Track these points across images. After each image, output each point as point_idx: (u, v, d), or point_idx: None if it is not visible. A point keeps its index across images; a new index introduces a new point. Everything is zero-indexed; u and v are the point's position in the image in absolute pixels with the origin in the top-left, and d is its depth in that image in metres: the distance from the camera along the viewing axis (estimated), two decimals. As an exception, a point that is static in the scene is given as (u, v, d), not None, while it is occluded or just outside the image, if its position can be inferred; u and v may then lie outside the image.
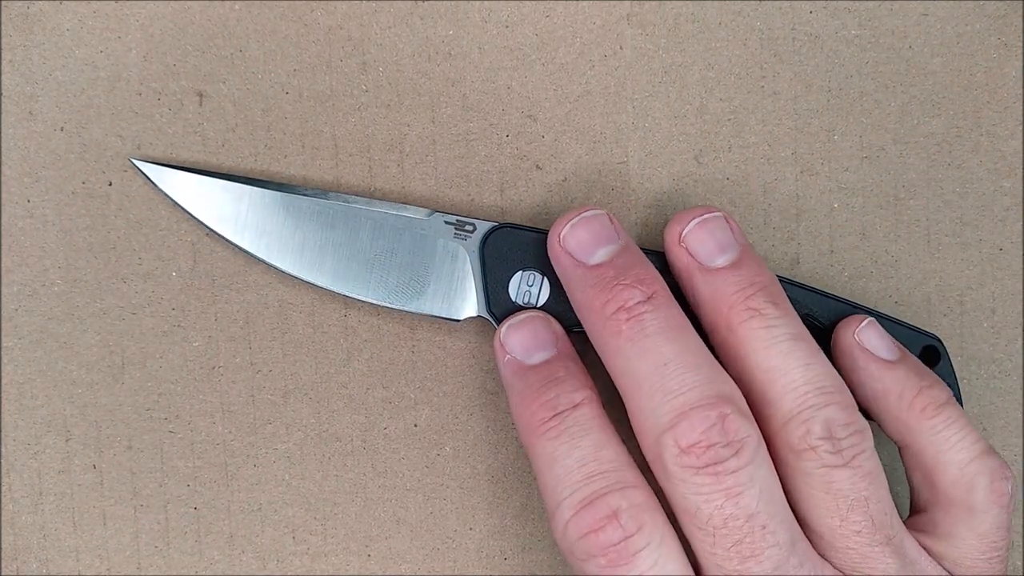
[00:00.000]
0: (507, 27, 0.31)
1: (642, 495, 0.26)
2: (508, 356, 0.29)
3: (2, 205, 0.31)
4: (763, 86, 0.32)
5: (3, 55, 0.31)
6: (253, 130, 0.31)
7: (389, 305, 0.31)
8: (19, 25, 0.31)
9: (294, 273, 0.31)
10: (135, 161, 0.31)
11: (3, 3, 0.31)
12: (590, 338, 0.28)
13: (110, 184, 0.31)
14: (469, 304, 0.30)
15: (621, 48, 0.32)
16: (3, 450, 0.32)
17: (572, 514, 0.26)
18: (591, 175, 0.32)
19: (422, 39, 0.31)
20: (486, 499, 0.33)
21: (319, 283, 0.31)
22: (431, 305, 0.30)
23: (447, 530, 0.33)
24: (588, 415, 0.27)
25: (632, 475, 0.27)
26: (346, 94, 0.31)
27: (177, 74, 0.31)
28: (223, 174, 0.31)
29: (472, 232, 0.30)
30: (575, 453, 0.26)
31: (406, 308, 0.31)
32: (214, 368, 0.32)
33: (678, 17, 0.31)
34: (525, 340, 0.29)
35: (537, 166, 0.32)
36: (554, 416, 0.27)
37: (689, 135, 0.32)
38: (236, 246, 0.31)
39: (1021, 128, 0.32)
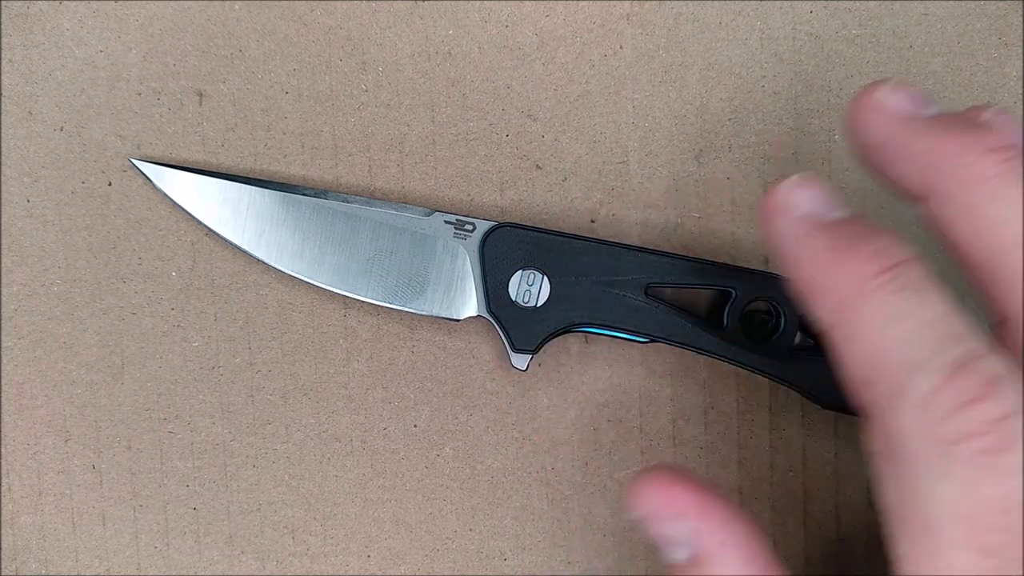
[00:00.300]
0: (507, 27, 0.31)
1: (1016, 365, 0.20)
2: (798, 214, 0.23)
3: (2, 205, 0.31)
4: (763, 86, 0.32)
5: (3, 55, 0.31)
6: (253, 130, 0.31)
7: (389, 305, 0.31)
8: (19, 25, 0.31)
9: (293, 273, 0.31)
10: (134, 161, 0.31)
11: (3, 3, 0.31)
12: (933, 201, 0.22)
13: (110, 184, 0.31)
14: (469, 304, 0.30)
15: (621, 48, 0.32)
16: (3, 450, 0.32)
17: (941, 379, 0.19)
18: (591, 175, 0.32)
19: (422, 39, 0.31)
20: (486, 499, 0.33)
21: (318, 283, 0.31)
22: (431, 305, 0.30)
23: (447, 530, 0.33)
24: (926, 272, 0.21)
25: (994, 343, 0.20)
26: (346, 94, 0.31)
27: (177, 74, 0.31)
28: (222, 174, 0.31)
29: (472, 232, 0.30)
30: (924, 311, 0.20)
31: (406, 308, 0.31)
32: (214, 368, 0.32)
33: (678, 17, 0.31)
34: (820, 194, 0.23)
35: (537, 166, 0.32)
36: (889, 269, 0.21)
37: (689, 135, 0.32)
38: (235, 246, 0.31)
39: (1021, 129, 0.32)
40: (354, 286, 0.30)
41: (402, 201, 0.32)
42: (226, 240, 0.31)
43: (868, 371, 0.21)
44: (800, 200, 0.23)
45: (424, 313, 0.31)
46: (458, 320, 0.30)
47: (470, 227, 0.30)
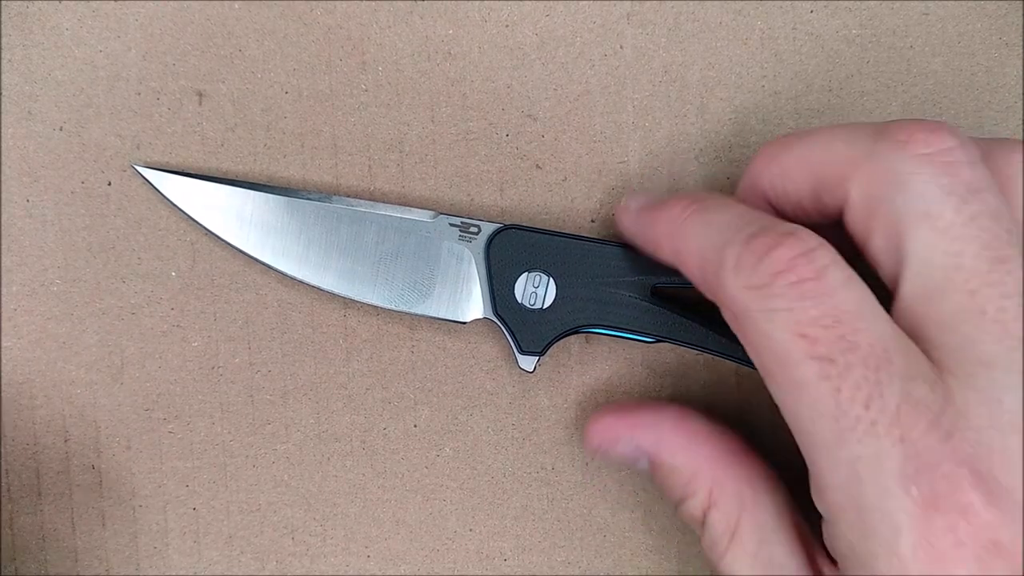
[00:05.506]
0: (507, 26, 0.31)
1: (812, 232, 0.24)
2: (633, 208, 0.29)
3: (2, 205, 0.31)
4: (764, 85, 0.32)
5: (3, 55, 0.31)
6: (252, 130, 0.31)
7: (395, 308, 0.30)
8: (19, 25, 0.31)
9: (299, 277, 0.31)
10: (138, 168, 0.31)
11: (3, 3, 0.31)
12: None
13: (109, 184, 0.31)
14: (475, 306, 0.30)
15: (621, 47, 0.31)
16: (3, 450, 0.32)
17: (743, 246, 0.23)
18: (591, 175, 0.32)
19: (422, 38, 0.31)
20: (486, 499, 0.33)
21: (324, 287, 0.31)
22: (436, 308, 0.30)
23: (447, 531, 0.33)
24: (721, 201, 0.26)
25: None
26: (346, 93, 0.31)
27: (176, 74, 0.31)
28: (226, 179, 0.31)
29: (477, 234, 0.30)
30: (723, 215, 0.25)
31: (412, 311, 0.30)
32: (213, 368, 0.32)
33: (679, 16, 0.31)
34: (642, 195, 0.29)
35: (537, 166, 0.32)
36: (693, 203, 0.26)
37: (689, 135, 0.32)
38: (240, 251, 0.31)
39: (1022, 128, 0.32)
40: (359, 290, 0.30)
41: (402, 201, 0.31)
42: (231, 245, 0.31)
43: (698, 266, 0.25)
44: (632, 203, 0.29)
45: (430, 316, 0.30)
46: (464, 323, 0.30)
47: (475, 229, 0.30)
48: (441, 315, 0.30)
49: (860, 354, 0.22)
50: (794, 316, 0.22)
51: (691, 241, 0.25)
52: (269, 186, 0.31)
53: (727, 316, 0.24)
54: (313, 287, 0.31)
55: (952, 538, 0.21)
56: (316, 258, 0.30)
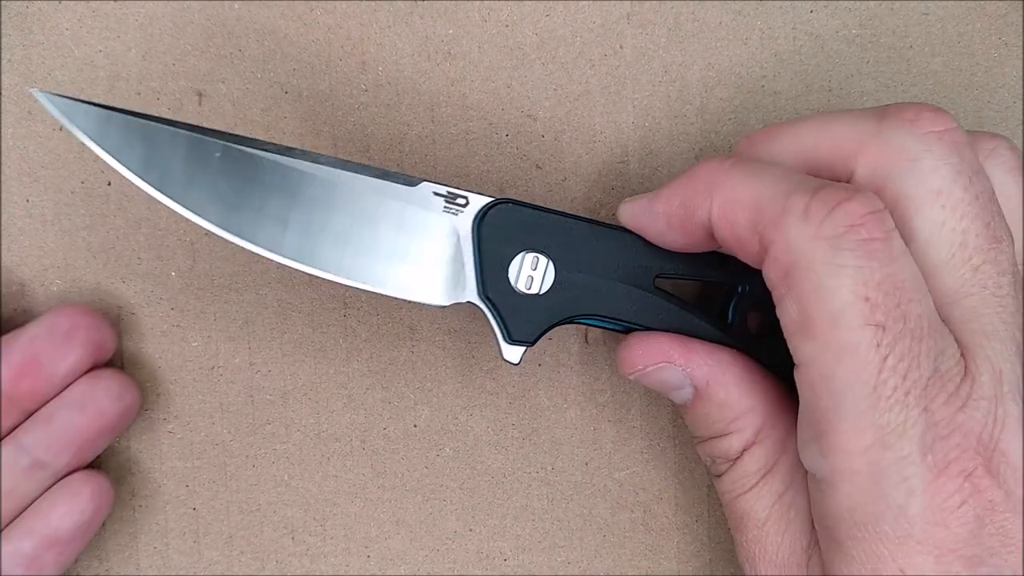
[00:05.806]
0: (507, 26, 0.31)
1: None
2: (640, 200, 0.27)
3: (2, 205, 0.31)
4: (763, 85, 0.32)
5: (3, 55, 0.31)
6: (252, 129, 0.31)
7: (362, 287, 0.26)
8: (19, 25, 0.31)
9: (248, 245, 0.26)
10: (37, 94, 0.25)
11: (3, 3, 0.31)
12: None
13: (109, 184, 0.31)
14: (457, 288, 0.27)
15: (621, 47, 0.32)
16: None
17: (812, 195, 0.22)
18: (591, 175, 0.32)
19: (422, 38, 0.31)
20: (486, 499, 0.33)
21: (278, 258, 0.26)
22: (409, 288, 0.27)
23: (447, 531, 0.33)
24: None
25: None
26: (345, 94, 0.31)
27: (176, 73, 0.31)
28: (153, 116, 0.26)
29: (464, 207, 0.27)
30: (775, 167, 0.24)
31: (380, 290, 0.27)
32: (213, 368, 0.32)
33: (678, 16, 0.31)
34: (643, 196, 0.28)
35: (537, 166, 0.32)
36: (729, 158, 0.25)
37: (689, 135, 0.32)
38: (163, 204, 0.26)
39: (1021, 128, 0.32)
40: (324, 263, 0.26)
41: (402, 201, 0.31)
42: (150, 195, 0.26)
43: (752, 212, 0.24)
44: (639, 197, 0.27)
45: (400, 297, 0.27)
46: (444, 306, 0.27)
47: (463, 201, 0.27)
48: (416, 297, 0.27)
49: (909, 325, 0.22)
50: (862, 276, 0.22)
51: (743, 187, 0.24)
52: (208, 129, 0.26)
53: (775, 270, 0.23)
54: (269, 259, 0.26)
55: (957, 499, 0.22)
56: (272, 223, 0.26)
